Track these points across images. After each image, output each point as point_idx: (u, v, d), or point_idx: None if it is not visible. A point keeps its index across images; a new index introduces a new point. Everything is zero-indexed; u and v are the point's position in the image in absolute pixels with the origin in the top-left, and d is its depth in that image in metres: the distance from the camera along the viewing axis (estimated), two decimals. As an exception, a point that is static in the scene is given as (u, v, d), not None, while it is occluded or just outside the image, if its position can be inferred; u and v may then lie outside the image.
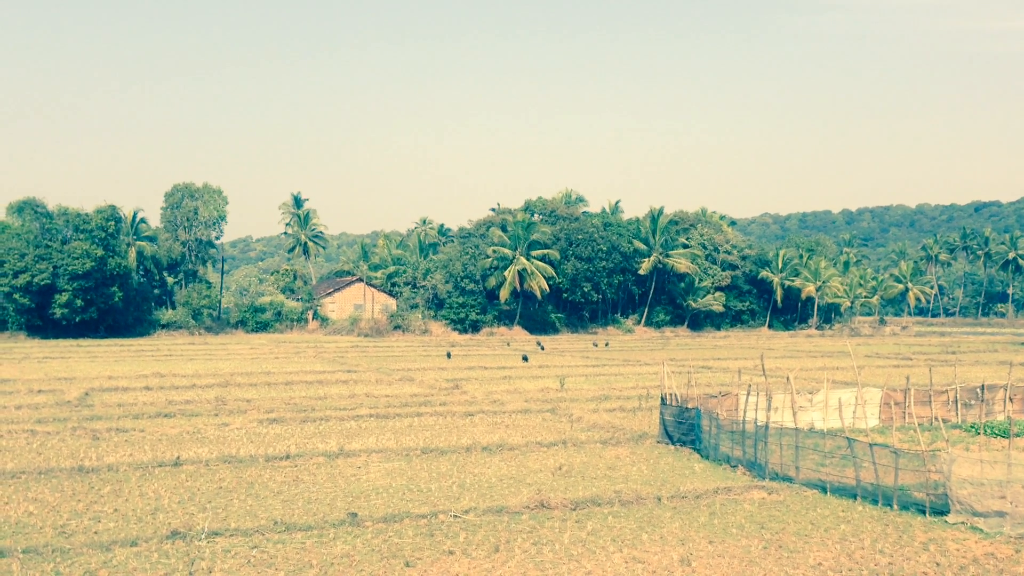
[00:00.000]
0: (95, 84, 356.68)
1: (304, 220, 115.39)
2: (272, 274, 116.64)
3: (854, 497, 18.94)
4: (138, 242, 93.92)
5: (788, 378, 25.92)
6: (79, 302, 78.81)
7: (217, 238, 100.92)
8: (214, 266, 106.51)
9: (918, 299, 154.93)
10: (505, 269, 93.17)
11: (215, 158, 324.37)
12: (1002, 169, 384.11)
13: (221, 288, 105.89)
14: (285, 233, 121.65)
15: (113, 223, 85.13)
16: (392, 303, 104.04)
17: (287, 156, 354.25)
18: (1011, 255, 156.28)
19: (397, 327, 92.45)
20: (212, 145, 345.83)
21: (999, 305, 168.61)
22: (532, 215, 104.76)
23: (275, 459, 22.74)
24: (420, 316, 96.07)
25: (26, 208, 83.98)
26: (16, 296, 77.76)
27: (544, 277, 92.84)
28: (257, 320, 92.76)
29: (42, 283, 77.42)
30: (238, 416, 30.30)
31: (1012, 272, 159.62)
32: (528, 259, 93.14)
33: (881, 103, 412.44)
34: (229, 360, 56.23)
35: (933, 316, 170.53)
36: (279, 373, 46.59)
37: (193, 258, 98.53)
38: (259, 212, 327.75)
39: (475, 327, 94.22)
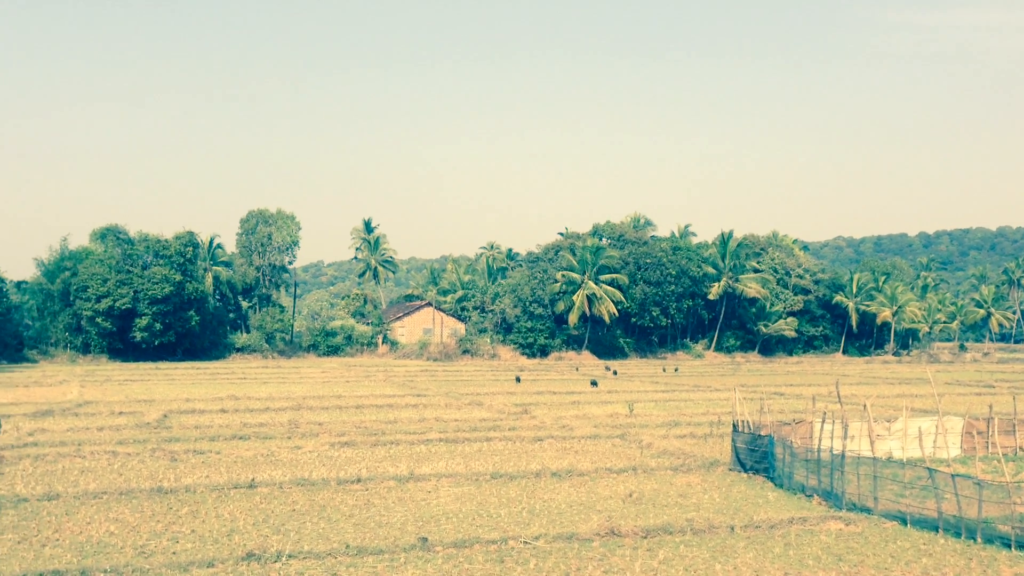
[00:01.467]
0: (175, 115, 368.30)
1: (374, 245, 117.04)
2: (343, 298, 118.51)
3: (935, 529, 18.37)
4: (214, 267, 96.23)
5: (865, 405, 25.33)
6: (158, 326, 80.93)
7: (290, 263, 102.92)
8: (287, 290, 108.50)
9: (1000, 324, 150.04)
10: (573, 293, 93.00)
11: (288, 184, 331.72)
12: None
13: (294, 312, 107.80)
14: (356, 258, 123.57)
15: (191, 249, 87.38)
16: (461, 327, 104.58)
17: (358, 182, 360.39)
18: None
19: (466, 351, 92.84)
20: (286, 172, 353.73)
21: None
22: (600, 239, 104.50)
23: (347, 482, 22.98)
24: (488, 340, 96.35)
25: (109, 235, 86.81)
26: (99, 320, 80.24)
27: (612, 301, 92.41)
28: (328, 344, 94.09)
29: (123, 307, 79.76)
30: (310, 439, 30.72)
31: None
32: (596, 283, 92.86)
33: (959, 123, 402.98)
34: (301, 383, 57.09)
35: (1016, 342, 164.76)
36: (350, 397, 47.13)
37: (267, 283, 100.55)
38: (330, 237, 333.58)
39: (543, 352, 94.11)
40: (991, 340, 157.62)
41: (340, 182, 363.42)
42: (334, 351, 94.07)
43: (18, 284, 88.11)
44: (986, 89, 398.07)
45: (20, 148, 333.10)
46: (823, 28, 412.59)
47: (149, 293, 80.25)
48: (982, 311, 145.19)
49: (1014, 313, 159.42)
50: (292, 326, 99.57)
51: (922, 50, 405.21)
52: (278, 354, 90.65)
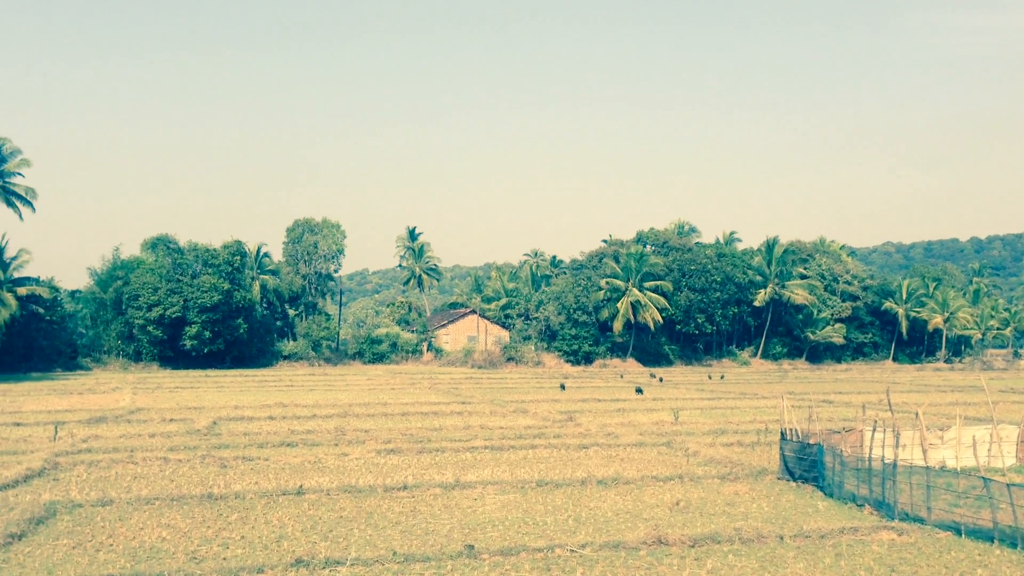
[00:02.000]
0: (223, 126, 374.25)
1: (418, 253, 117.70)
2: (388, 306, 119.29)
3: (991, 540, 17.98)
4: (262, 276, 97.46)
5: (917, 414, 24.91)
6: (207, 334, 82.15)
7: (336, 271, 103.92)
8: (333, 298, 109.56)
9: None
10: (618, 301, 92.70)
11: (334, 193, 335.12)
12: None
13: (339, 320, 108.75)
14: (400, 266, 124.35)
15: (239, 257, 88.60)
16: (505, 335, 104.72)
17: (403, 190, 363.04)
18: None
19: (510, 359, 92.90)
20: (332, 181, 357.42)
21: None
22: (644, 246, 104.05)
23: (393, 489, 23.10)
24: (533, 348, 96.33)
25: (159, 244, 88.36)
26: (150, 328, 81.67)
27: (657, 308, 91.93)
28: (374, 351, 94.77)
29: (173, 316, 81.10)
30: (357, 446, 30.94)
31: None
32: (641, 290, 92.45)
33: (1012, 125, 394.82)
34: (347, 391, 57.55)
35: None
36: (395, 404, 47.41)
37: (313, 291, 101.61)
38: (375, 245, 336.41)
39: (588, 359, 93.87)
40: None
41: (385, 190, 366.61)
42: (379, 359, 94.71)
43: (72, 293, 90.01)
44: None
45: (74, 160, 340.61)
46: (869, 31, 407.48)
47: (198, 301, 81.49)
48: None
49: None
50: (338, 334, 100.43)
51: (972, 52, 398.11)
52: (324, 362, 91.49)
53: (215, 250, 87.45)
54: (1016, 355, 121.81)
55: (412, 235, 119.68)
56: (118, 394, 53.65)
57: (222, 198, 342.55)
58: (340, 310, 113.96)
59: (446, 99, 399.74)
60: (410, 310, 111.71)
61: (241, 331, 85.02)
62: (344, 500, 21.89)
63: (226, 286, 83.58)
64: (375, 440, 32.44)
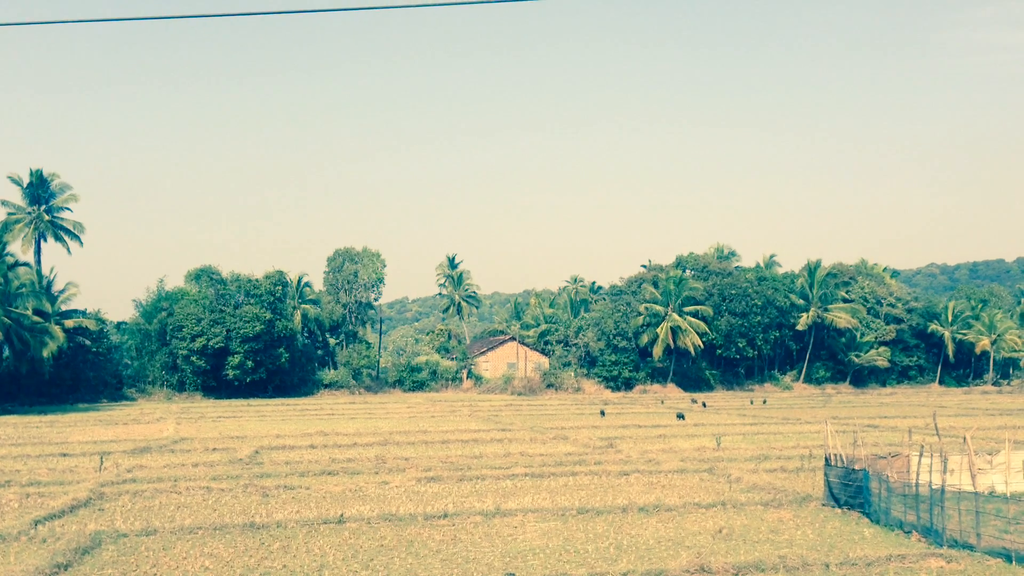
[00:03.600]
0: (265, 157, 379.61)
1: (458, 281, 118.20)
2: (427, 334, 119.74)
3: (1044, 568, 17.54)
4: (303, 305, 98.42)
5: (965, 438, 24.43)
6: (250, 363, 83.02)
7: (376, 300, 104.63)
8: (373, 327, 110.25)
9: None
10: (657, 326, 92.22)
11: (374, 223, 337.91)
12: None
13: (379, 348, 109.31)
14: (440, 294, 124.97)
15: (280, 287, 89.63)
16: (544, 361, 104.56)
17: (442, 219, 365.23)
18: None
19: (550, 385, 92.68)
20: (372, 210, 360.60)
21: None
22: (684, 271, 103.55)
23: (433, 517, 23.10)
24: (572, 374, 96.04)
25: (203, 275, 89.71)
26: (193, 359, 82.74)
27: (697, 333, 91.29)
28: (413, 379, 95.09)
29: (216, 346, 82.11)
30: (397, 474, 30.99)
31: None
32: (681, 315, 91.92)
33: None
34: (388, 419, 57.74)
35: None
36: (435, 432, 47.47)
37: (353, 319, 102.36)
38: (415, 274, 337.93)
39: (628, 385, 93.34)
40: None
41: (425, 219, 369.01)
42: (419, 386, 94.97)
43: (118, 325, 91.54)
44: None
45: (120, 193, 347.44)
46: (908, 51, 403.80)
47: (241, 332, 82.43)
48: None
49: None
50: (378, 362, 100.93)
51: (1011, 70, 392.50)
52: (365, 390, 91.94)
53: (257, 280, 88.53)
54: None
55: (452, 263, 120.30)
56: (162, 424, 54.31)
57: (264, 229, 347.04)
58: (380, 338, 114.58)
59: (485, 126, 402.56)
60: (449, 338, 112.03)
61: (283, 360, 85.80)
62: (385, 529, 21.92)
63: (268, 316, 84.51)
64: (415, 468, 32.48)
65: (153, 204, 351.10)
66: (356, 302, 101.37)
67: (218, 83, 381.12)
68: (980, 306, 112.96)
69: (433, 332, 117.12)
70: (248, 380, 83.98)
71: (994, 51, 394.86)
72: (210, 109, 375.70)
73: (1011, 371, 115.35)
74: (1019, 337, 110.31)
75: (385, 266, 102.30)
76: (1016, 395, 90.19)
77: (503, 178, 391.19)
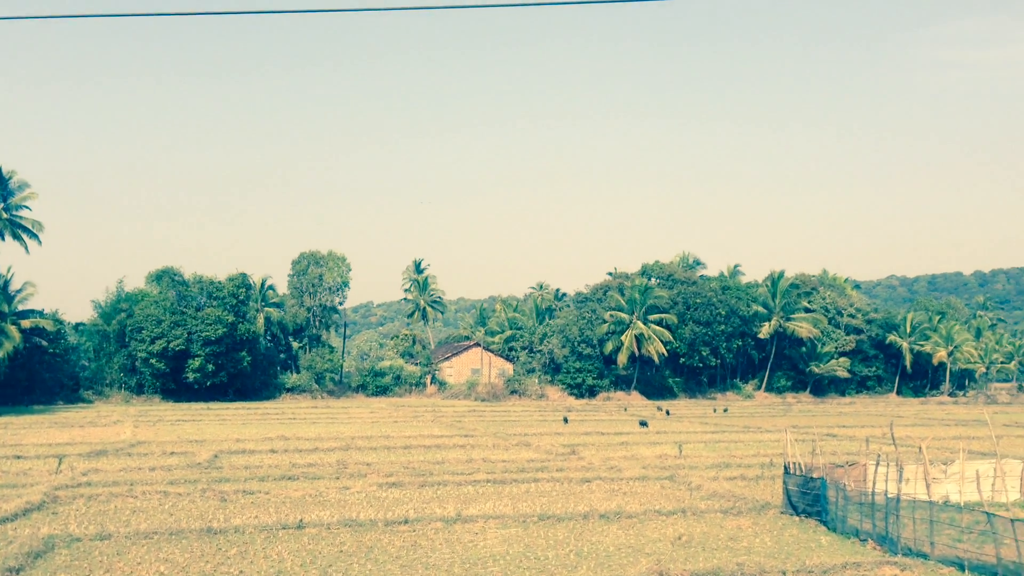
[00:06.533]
0: (229, 158, 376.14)
1: (423, 286, 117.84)
2: (392, 339, 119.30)
3: (995, 575, 17.84)
4: (266, 308, 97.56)
5: (920, 448, 24.80)
6: (211, 367, 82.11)
7: (340, 304, 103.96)
8: (337, 331, 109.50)
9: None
10: (622, 334, 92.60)
11: (340, 226, 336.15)
12: None
13: (343, 353, 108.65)
14: (405, 299, 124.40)
15: (243, 290, 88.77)
16: (509, 367, 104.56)
17: (408, 223, 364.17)
18: None
19: (514, 391, 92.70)
20: (337, 214, 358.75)
21: None
22: (649, 279, 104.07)
23: (394, 523, 23.00)
24: (536, 381, 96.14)
25: (164, 277, 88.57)
26: (153, 361, 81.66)
27: (661, 341, 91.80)
28: (377, 384, 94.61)
29: (177, 348, 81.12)
30: (358, 480, 30.83)
31: None
32: (645, 323, 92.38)
33: (1015, 159, 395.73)
34: (350, 424, 57.41)
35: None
36: (398, 437, 47.27)
37: (317, 323, 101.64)
38: (380, 278, 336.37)
39: (592, 392, 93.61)
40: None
41: (391, 224, 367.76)
42: (383, 391, 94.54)
43: (76, 326, 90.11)
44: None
45: (79, 193, 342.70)
46: (875, 66, 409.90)
47: (202, 334, 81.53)
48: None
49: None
50: (341, 366, 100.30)
51: (973, 87, 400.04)
52: (327, 394, 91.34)
53: (220, 283, 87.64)
54: (1021, 389, 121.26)
55: (418, 268, 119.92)
56: (119, 427, 53.56)
57: (228, 231, 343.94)
58: (344, 343, 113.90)
59: (452, 131, 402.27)
60: (414, 343, 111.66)
61: (245, 364, 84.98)
62: (344, 534, 21.79)
63: (230, 319, 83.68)
64: (377, 473, 32.33)
65: (114, 204, 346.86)
66: (320, 306, 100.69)
67: (181, 82, 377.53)
68: (938, 318, 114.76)
69: (398, 337, 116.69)
70: (209, 383, 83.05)
71: (955, 68, 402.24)
72: (174, 108, 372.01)
73: (967, 382, 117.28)
74: (975, 349, 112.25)
75: (350, 270, 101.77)
76: (971, 406, 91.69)
77: (471, 183, 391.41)
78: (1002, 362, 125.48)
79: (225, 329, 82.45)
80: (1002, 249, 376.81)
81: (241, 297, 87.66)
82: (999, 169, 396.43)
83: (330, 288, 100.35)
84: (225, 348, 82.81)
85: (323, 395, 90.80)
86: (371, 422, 59.12)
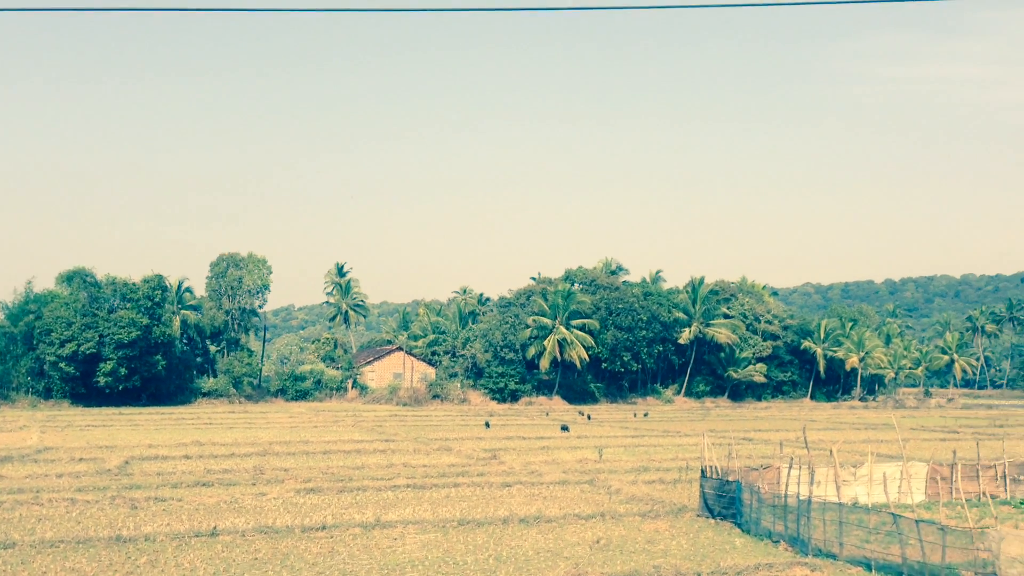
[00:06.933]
0: (146, 157, 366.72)
1: (346, 289, 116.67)
2: (313, 343, 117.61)
3: (900, 575, 18.40)
4: (183, 311, 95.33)
5: (831, 451, 25.47)
6: (123, 371, 79.81)
7: (260, 307, 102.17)
8: (256, 335, 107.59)
9: (964, 371, 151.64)
10: (545, 338, 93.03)
11: (261, 229, 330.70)
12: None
13: (263, 356, 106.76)
14: (327, 302, 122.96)
15: (159, 292, 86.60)
16: (431, 372, 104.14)
17: (331, 226, 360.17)
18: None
19: (436, 396, 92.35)
20: (258, 215, 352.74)
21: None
22: (572, 284, 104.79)
23: (311, 530, 22.68)
24: (459, 385, 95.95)
25: (75, 278, 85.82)
26: (62, 365, 79.01)
27: (584, 347, 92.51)
28: (297, 388, 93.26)
29: (88, 352, 78.65)
30: (275, 486, 30.33)
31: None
32: (568, 328, 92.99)
33: (925, 172, 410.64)
34: (268, 429, 56.47)
35: (980, 388, 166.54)
36: (317, 442, 46.67)
37: (236, 327, 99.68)
38: (302, 281, 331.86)
39: (514, 397, 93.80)
40: (955, 386, 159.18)
41: (313, 226, 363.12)
42: (303, 396, 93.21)
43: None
44: (951, 140, 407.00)
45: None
46: (793, 77, 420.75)
47: (115, 337, 79.26)
48: (946, 357, 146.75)
49: (977, 360, 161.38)
50: (260, 370, 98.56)
51: (887, 101, 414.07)
52: (245, 399, 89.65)
53: (134, 284, 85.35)
54: (927, 394, 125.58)
55: (340, 271, 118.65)
56: (25, 432, 51.70)
57: (144, 232, 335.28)
58: (263, 346, 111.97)
59: (375, 135, 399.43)
60: (335, 347, 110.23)
61: (159, 368, 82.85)
62: (260, 541, 21.40)
63: (145, 321, 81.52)
64: (295, 479, 31.86)
65: (23, 203, 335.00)
66: (240, 309, 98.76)
67: (95, 79, 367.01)
68: (850, 325, 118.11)
69: (319, 341, 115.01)
70: (121, 388, 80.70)
71: (870, 81, 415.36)
72: (87, 105, 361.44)
73: (877, 387, 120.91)
74: (885, 355, 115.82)
75: (271, 272, 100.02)
76: (880, 410, 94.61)
77: (394, 187, 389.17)
78: (910, 368, 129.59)
79: (139, 332, 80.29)
80: (911, 258, 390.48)
81: (156, 299, 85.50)
82: (910, 181, 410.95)
83: (250, 291, 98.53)
84: (139, 352, 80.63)
85: (241, 400, 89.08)
86: (290, 427, 58.24)
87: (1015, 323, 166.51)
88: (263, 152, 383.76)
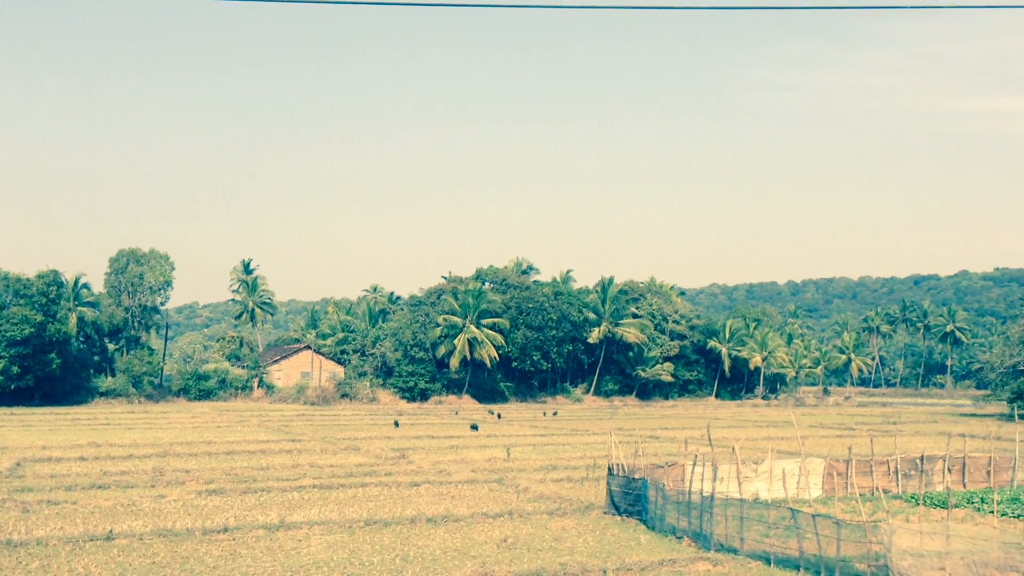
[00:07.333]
0: (43, 148, 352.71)
1: (252, 287, 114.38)
2: (218, 341, 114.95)
3: (797, 568, 18.93)
4: (80, 308, 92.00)
5: (734, 448, 26.06)
6: (15, 369, 76.64)
7: (162, 304, 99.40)
8: (158, 332, 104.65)
9: (860, 370, 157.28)
10: (455, 338, 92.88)
11: (164, 224, 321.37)
12: (940, 243, 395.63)
13: (164, 355, 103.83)
14: (233, 300, 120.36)
15: (54, 288, 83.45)
16: (340, 371, 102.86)
17: (237, 222, 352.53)
18: (949, 328, 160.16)
19: (345, 395, 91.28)
20: (160, 210, 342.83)
21: (938, 376, 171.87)
22: (483, 284, 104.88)
23: (212, 532, 22.14)
24: (368, 384, 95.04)
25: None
26: (-51, 363, 75.43)
27: (494, 346, 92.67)
28: (200, 388, 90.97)
29: (-23, 349, 75.27)
30: (176, 487, 29.53)
31: (950, 344, 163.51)
32: (479, 328, 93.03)
33: (826, 177, 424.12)
34: (169, 429, 54.98)
35: (875, 386, 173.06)
36: (220, 443, 45.62)
37: (136, 324, 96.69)
38: (207, 278, 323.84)
39: (424, 396, 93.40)
40: (852, 385, 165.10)
41: (219, 222, 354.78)
42: (206, 395, 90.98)
43: None
44: (850, 147, 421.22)
45: None
46: (701, 83, 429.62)
47: (7, 335, 76.03)
48: (844, 357, 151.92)
49: (873, 359, 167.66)
50: (162, 369, 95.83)
51: (787, 107, 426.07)
52: (146, 399, 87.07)
53: (28, 280, 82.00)
54: (826, 392, 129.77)
55: (246, 268, 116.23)
56: (-91, 434, 49.16)
57: (39, 226, 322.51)
58: (165, 344, 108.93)
59: (282, 129, 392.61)
60: (241, 345, 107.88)
61: (54, 366, 79.78)
62: (158, 545, 20.78)
63: (39, 318, 78.41)
64: (196, 481, 31.07)
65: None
66: (140, 306, 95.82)
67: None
68: (754, 325, 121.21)
69: (224, 339, 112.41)
70: (13, 387, 77.39)
71: (775, 89, 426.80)
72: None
73: (779, 386, 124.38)
74: (786, 354, 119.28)
75: (174, 269, 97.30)
76: (781, 408, 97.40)
77: (304, 183, 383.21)
78: (809, 367, 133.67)
79: (32, 329, 77.18)
80: (812, 261, 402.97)
81: (51, 295, 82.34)
82: (811, 186, 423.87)
83: (151, 287, 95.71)
84: (32, 349, 77.50)
85: (141, 400, 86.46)
86: (192, 427, 56.80)
87: (908, 324, 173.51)
88: (166, 147, 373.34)
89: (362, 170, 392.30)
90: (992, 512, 21.51)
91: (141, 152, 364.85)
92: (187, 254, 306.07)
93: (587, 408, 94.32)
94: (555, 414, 79.66)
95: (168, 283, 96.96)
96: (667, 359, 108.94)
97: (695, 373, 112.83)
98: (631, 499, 25.13)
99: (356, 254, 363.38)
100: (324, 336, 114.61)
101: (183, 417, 67.46)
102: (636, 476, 25.42)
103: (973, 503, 27.01)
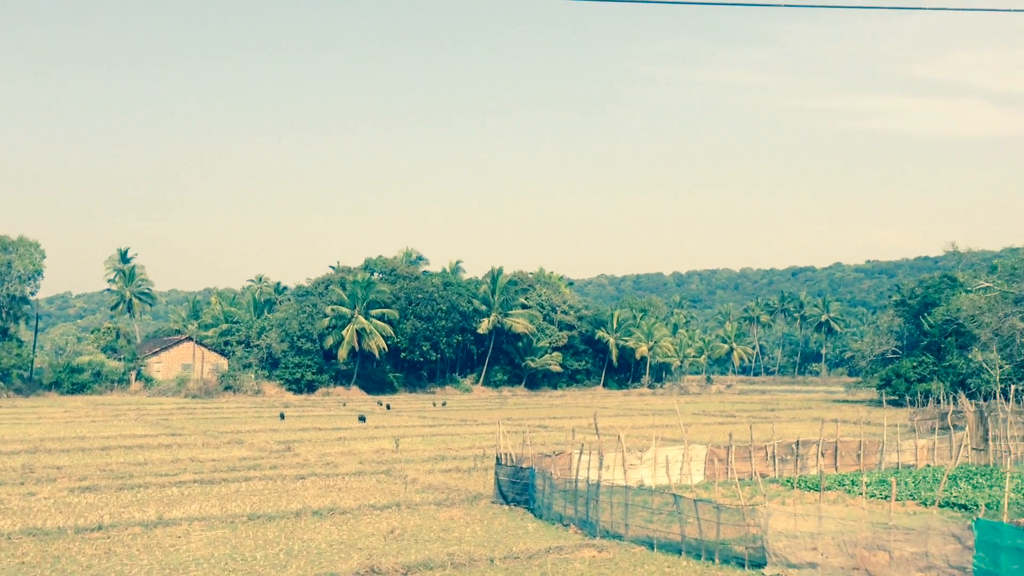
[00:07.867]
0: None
1: (130, 276, 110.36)
2: (92, 332, 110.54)
3: (679, 552, 19.40)
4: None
5: (619, 436, 26.53)
6: None
7: (32, 294, 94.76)
8: (27, 323, 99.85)
9: (742, 359, 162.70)
10: (343, 328, 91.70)
11: (33, 210, 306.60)
12: (816, 237, 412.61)
13: (34, 347, 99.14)
14: (109, 290, 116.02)
15: (-88, 276, 78.59)
16: (224, 363, 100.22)
17: (113, 210, 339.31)
18: (824, 318, 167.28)
19: (228, 388, 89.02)
20: (30, 196, 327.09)
21: (813, 364, 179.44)
22: (372, 274, 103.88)
23: (86, 530, 21.24)
24: (253, 376, 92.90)
25: None
26: None
27: (383, 336, 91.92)
28: (73, 381, 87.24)
29: None
30: (46, 485, 28.23)
31: (825, 334, 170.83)
32: (367, 318, 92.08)
33: (710, 172, 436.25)
34: (40, 424, 52.54)
35: (755, 375, 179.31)
36: (95, 438, 43.85)
37: (3, 315, 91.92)
38: (81, 267, 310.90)
39: (311, 387, 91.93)
40: (734, 373, 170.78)
41: (93, 209, 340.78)
42: (80, 389, 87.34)
43: None
44: (734, 143, 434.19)
45: None
46: (584, 78, 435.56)
47: None
48: (726, 346, 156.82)
49: (753, 348, 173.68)
50: (32, 362, 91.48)
51: (675, 102, 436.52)
52: (14, 393, 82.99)
53: None
54: (709, 381, 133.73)
55: (123, 257, 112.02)
56: None
57: None
58: (35, 336, 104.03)
59: (165, 116, 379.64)
60: (118, 336, 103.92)
61: (-88, 359, 75.20)
62: (28, 544, 19.82)
63: None
64: (68, 477, 29.76)
65: None
66: (8, 296, 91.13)
67: None
68: (640, 315, 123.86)
69: (99, 330, 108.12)
70: None
71: (663, 84, 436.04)
72: None
73: (664, 375, 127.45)
74: (672, 344, 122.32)
75: (44, 257, 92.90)
76: (667, 396, 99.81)
77: (183, 170, 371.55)
78: (693, 356, 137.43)
79: None
80: (697, 252, 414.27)
81: (-90, 284, 77.50)
82: (697, 180, 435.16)
83: (20, 276, 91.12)
84: None
85: (9, 393, 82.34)
86: (65, 422, 54.41)
87: (786, 314, 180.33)
88: (37, 134, 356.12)
89: (248, 157, 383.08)
90: (861, 494, 22.51)
91: (7, 137, 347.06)
92: (59, 243, 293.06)
93: (476, 398, 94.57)
94: (444, 404, 79.61)
95: (39, 272, 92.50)
96: (556, 349, 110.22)
97: (583, 363, 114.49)
98: (519, 488, 25.29)
99: (241, 243, 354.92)
100: (207, 327, 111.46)
101: (55, 412, 64.57)
102: (524, 465, 25.58)
103: (844, 485, 28.22)
